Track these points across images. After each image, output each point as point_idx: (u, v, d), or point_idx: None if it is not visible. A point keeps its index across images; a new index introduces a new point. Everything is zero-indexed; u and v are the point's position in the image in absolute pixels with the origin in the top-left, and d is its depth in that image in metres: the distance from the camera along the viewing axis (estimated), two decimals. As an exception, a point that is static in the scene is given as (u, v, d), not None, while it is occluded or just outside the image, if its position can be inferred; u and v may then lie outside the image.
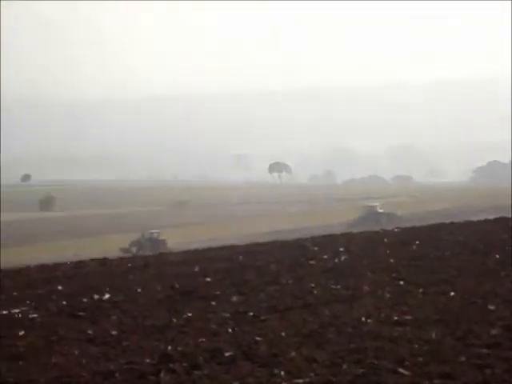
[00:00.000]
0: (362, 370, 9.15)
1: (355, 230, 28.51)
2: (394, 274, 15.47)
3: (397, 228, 24.37)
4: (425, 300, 12.90)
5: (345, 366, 9.33)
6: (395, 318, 11.73)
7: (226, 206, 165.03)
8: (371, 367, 9.24)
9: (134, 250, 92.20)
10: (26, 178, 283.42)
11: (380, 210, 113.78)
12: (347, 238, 22.56)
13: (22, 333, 12.07)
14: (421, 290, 13.68)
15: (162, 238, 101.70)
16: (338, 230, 33.66)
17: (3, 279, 17.46)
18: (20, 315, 13.36)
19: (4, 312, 13.60)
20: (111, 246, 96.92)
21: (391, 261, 17.28)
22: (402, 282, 14.61)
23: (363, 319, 11.72)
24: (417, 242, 19.70)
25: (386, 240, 21.25)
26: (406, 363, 9.33)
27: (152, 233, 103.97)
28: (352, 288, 14.30)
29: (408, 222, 26.88)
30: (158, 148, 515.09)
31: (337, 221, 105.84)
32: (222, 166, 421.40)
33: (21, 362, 10.37)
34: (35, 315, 13.31)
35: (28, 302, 14.53)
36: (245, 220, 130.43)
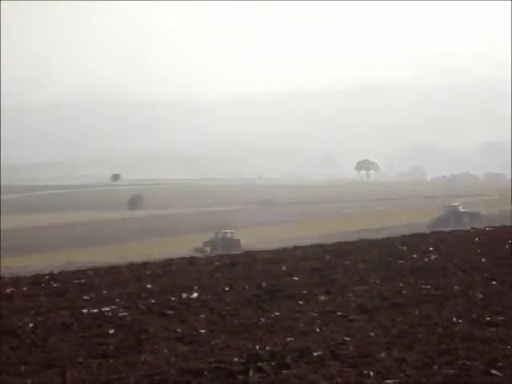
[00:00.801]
0: (453, 371, 8.98)
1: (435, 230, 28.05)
2: (485, 274, 15.15)
3: (489, 227, 23.92)
4: (517, 300, 12.61)
5: (435, 367, 9.16)
6: (487, 318, 11.49)
7: (312, 205, 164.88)
8: (463, 368, 9.06)
9: (208, 249, 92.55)
10: (116, 177, 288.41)
11: (462, 210, 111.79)
12: (437, 237, 22.23)
13: (111, 331, 12.21)
14: (514, 290, 13.38)
15: (235, 237, 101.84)
16: (418, 230, 33.17)
17: (94, 278, 17.73)
18: (110, 313, 13.52)
19: (94, 310, 13.79)
20: (196, 245, 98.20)
21: (483, 260, 16.95)
22: (494, 282, 14.30)
23: (454, 319, 11.51)
24: (510, 241, 19.27)
25: (477, 239, 20.86)
26: (499, 364, 9.11)
27: (226, 232, 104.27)
28: (442, 288, 14.06)
29: (495, 221, 26.32)
30: (244, 148, 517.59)
31: (422, 220, 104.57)
32: (309, 164, 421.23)
33: (111, 360, 10.47)
34: (125, 313, 13.45)
35: (118, 300, 14.71)
36: (331, 219, 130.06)
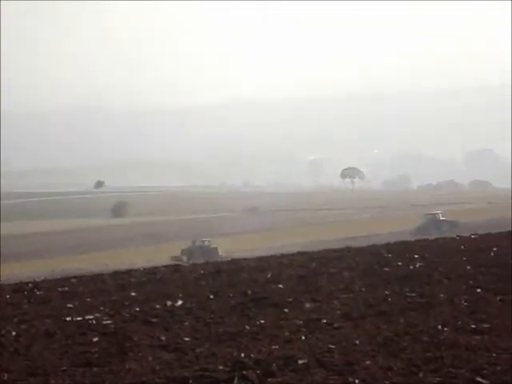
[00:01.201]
0: (438, 379, 8.97)
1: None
2: (471, 282, 15.17)
3: (474, 234, 23.98)
4: (503, 308, 12.61)
5: (421, 375, 9.16)
6: (473, 326, 11.49)
7: (298, 212, 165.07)
8: (448, 376, 9.05)
9: (185, 258, 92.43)
10: (100, 184, 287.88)
11: (442, 218, 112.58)
12: (422, 245, 22.26)
13: (95, 339, 12.15)
14: (499, 298, 13.39)
15: (213, 245, 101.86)
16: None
17: (77, 286, 17.66)
18: (94, 321, 13.45)
19: (78, 318, 13.72)
20: (177, 253, 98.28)
21: (468, 268, 16.96)
22: (479, 290, 14.31)
23: (440, 327, 11.50)
24: (494, 249, 19.31)
25: (462, 247, 20.90)
26: (484, 372, 9.11)
27: (203, 241, 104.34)
28: (427, 295, 14.06)
29: (477, 229, 26.32)
30: (229, 154, 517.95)
31: (406, 228, 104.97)
32: (295, 172, 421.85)
33: (95, 369, 10.42)
34: (109, 321, 13.39)
35: (102, 308, 14.64)
36: (316, 226, 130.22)
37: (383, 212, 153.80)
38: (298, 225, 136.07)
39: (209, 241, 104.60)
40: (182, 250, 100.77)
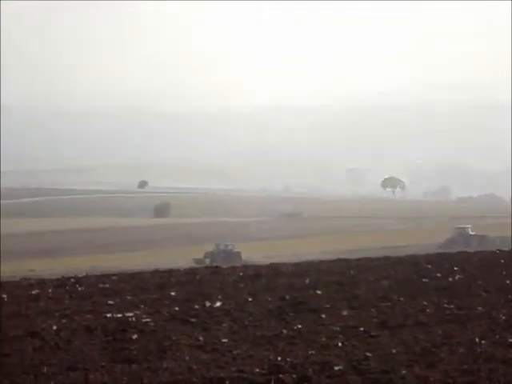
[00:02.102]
0: (474, 392, 8.98)
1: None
2: (509, 296, 15.10)
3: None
4: (541, 323, 12.55)
5: (457, 387, 9.17)
6: (510, 340, 11.46)
7: (337, 220, 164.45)
8: (484, 389, 9.06)
9: (208, 261, 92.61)
10: (143, 184, 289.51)
11: (471, 233, 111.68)
12: (462, 257, 22.16)
13: (135, 336, 12.27)
14: (537, 313, 13.32)
15: (236, 250, 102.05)
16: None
17: (118, 283, 17.81)
18: (134, 319, 13.58)
19: (118, 315, 13.85)
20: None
21: (507, 282, 16.88)
22: (517, 304, 14.25)
23: (477, 340, 11.48)
24: (534, 264, 19.19)
25: (502, 261, 20.77)
26: (520, 386, 9.11)
27: (227, 245, 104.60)
28: (466, 308, 14.02)
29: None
30: (272, 160, 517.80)
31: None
32: (336, 179, 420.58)
33: (133, 366, 10.54)
34: (148, 319, 13.51)
35: (142, 306, 14.77)
36: (355, 234, 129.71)
37: (422, 223, 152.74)
38: (336, 232, 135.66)
39: (232, 245, 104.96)
40: (206, 253, 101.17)
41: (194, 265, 63.00)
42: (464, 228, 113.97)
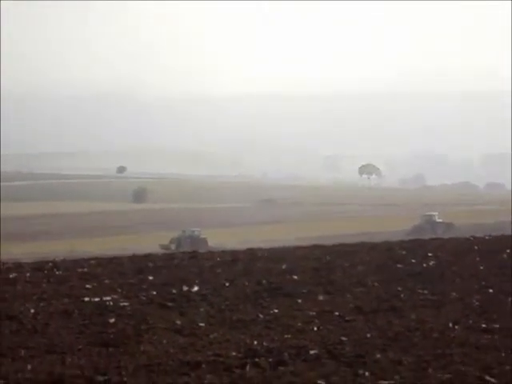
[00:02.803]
0: (447, 376, 9.11)
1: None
2: (483, 282, 15.29)
3: (488, 236, 24.04)
4: (514, 309, 12.73)
5: (430, 371, 9.30)
6: (483, 325, 11.63)
7: (313, 206, 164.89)
8: (457, 373, 9.19)
9: (173, 246, 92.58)
10: (122, 169, 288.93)
11: (438, 220, 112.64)
12: (436, 244, 22.36)
13: (112, 320, 12.34)
14: (510, 299, 13.50)
15: (202, 236, 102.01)
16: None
17: (96, 267, 17.86)
18: (111, 303, 13.64)
19: (96, 299, 13.92)
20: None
21: (481, 268, 17.08)
22: (491, 290, 14.44)
23: (450, 325, 11.64)
24: (508, 251, 19.41)
25: (476, 247, 20.99)
26: (494, 371, 9.24)
27: (193, 231, 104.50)
28: (439, 293, 14.20)
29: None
30: (249, 146, 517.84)
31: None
32: (312, 166, 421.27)
33: (110, 349, 10.60)
34: (126, 303, 13.58)
35: (119, 290, 14.83)
36: (331, 221, 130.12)
37: (395, 210, 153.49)
38: (313, 219, 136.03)
39: (199, 231, 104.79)
40: (171, 239, 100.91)
41: (160, 251, 62.90)
42: (431, 215, 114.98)
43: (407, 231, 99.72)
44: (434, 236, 33.97)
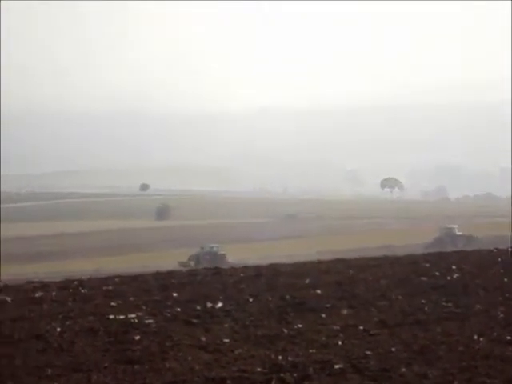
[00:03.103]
0: (473, 388, 9.12)
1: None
2: (507, 294, 15.24)
3: (511, 248, 23.92)
4: (539, 321, 12.69)
5: (455, 384, 9.31)
6: (508, 337, 11.60)
7: (335, 220, 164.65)
8: (482, 385, 9.20)
9: (192, 264, 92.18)
10: (145, 187, 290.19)
11: (458, 233, 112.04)
12: (460, 256, 22.30)
13: (137, 337, 12.40)
14: (535, 311, 13.47)
15: (221, 252, 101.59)
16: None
17: (120, 285, 17.93)
18: (136, 320, 13.70)
19: (121, 317, 13.98)
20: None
21: (505, 280, 17.02)
22: (515, 302, 14.39)
23: (475, 338, 11.63)
24: (532, 262, 19.33)
25: (499, 259, 20.91)
26: (518, 383, 9.25)
27: (212, 247, 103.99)
28: (464, 306, 14.17)
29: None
30: (271, 161, 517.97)
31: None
32: (334, 180, 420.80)
33: (136, 366, 10.67)
34: (151, 321, 13.64)
35: (144, 307, 14.90)
36: (354, 234, 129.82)
37: (417, 223, 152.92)
38: (334, 232, 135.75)
39: (217, 247, 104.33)
40: (190, 256, 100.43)
41: (178, 268, 62.73)
42: (451, 228, 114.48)
43: (427, 244, 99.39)
44: (454, 249, 33.84)
